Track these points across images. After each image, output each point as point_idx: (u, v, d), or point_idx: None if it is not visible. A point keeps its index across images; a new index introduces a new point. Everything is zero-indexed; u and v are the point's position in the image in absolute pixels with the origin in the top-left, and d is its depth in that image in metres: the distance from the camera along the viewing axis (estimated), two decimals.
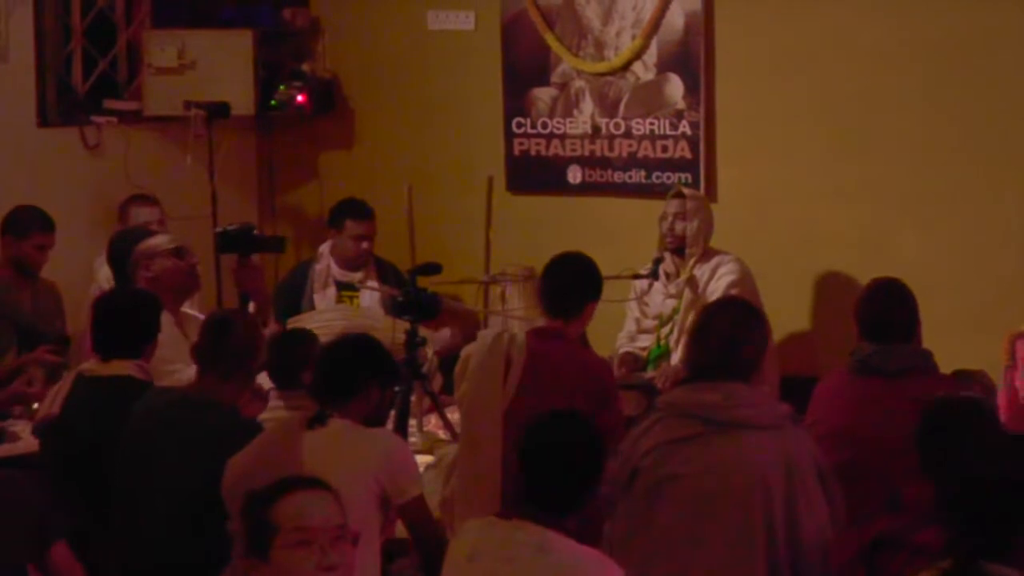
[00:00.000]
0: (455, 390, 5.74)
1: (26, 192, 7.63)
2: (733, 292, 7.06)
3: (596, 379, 5.52)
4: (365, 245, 7.82)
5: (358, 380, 4.91)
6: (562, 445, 4.22)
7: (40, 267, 7.33)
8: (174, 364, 6.00)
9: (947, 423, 4.53)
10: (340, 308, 7.50)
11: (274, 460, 4.69)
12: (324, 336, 6.10)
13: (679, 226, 7.31)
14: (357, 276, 7.83)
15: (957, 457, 4.18)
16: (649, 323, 7.42)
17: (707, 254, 7.31)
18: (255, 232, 7.00)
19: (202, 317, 6.46)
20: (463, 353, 5.68)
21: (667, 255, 7.35)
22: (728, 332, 4.70)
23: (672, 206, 7.35)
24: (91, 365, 5.67)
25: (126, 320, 5.63)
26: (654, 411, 4.76)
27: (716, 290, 7.17)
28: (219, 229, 6.93)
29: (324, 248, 7.94)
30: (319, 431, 4.79)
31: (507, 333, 5.59)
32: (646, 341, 7.41)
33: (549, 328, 5.56)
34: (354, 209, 7.85)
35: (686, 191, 7.42)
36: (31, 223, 7.27)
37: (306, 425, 4.81)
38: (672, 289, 7.32)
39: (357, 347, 5.05)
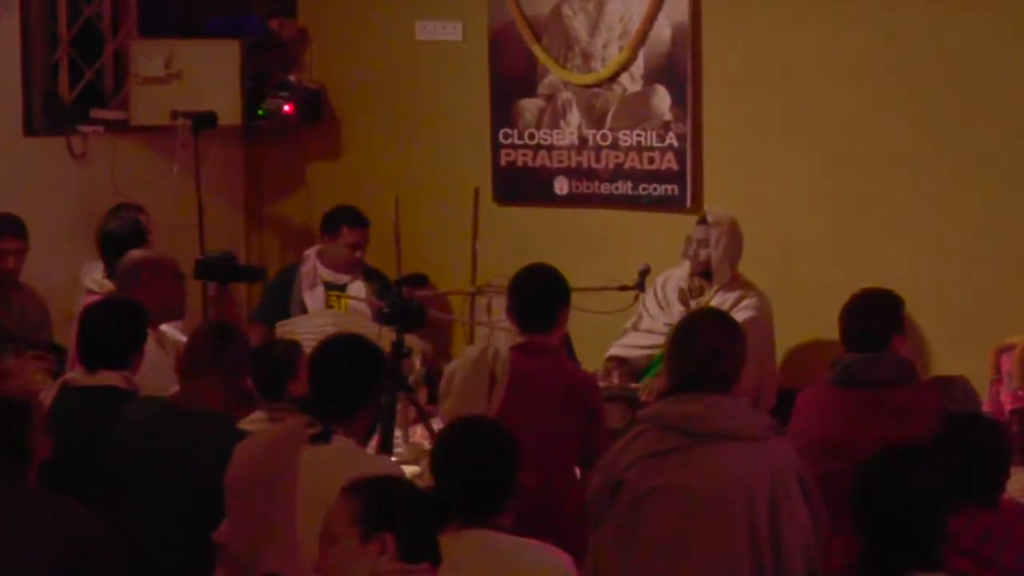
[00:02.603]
0: (440, 407, 5.74)
1: (11, 201, 7.61)
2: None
3: (582, 394, 5.52)
4: (359, 254, 7.84)
5: (360, 394, 4.79)
6: (472, 450, 4.19)
7: (10, 274, 7.30)
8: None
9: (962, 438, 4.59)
10: (331, 314, 7.50)
11: (270, 471, 4.64)
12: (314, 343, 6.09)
13: (703, 253, 7.27)
14: (345, 277, 7.84)
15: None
16: (658, 326, 7.38)
17: (735, 283, 7.26)
18: (236, 261, 6.89)
19: (181, 336, 6.46)
20: (447, 370, 5.68)
21: (690, 271, 7.31)
22: (709, 344, 4.70)
23: (698, 232, 7.30)
24: (76, 375, 5.67)
25: (113, 331, 5.63)
26: (636, 424, 4.76)
27: None
28: (199, 256, 6.78)
29: (310, 251, 7.97)
30: (321, 448, 4.66)
31: (491, 349, 5.58)
32: (645, 340, 7.38)
33: (532, 343, 5.57)
34: (351, 216, 7.88)
35: (710, 217, 7.33)
36: None
37: (309, 440, 4.68)
38: (693, 305, 7.27)
39: (355, 357, 4.86)
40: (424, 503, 3.84)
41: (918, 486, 4.05)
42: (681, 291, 7.39)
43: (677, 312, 7.29)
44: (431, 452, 4.35)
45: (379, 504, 3.76)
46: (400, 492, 3.85)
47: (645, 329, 7.46)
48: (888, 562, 4.03)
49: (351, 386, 4.78)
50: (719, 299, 7.22)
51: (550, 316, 5.60)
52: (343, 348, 4.91)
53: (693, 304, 7.26)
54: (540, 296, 5.63)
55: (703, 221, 7.32)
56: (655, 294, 7.42)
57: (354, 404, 4.78)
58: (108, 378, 5.53)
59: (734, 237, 7.32)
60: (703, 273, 7.29)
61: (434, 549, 3.80)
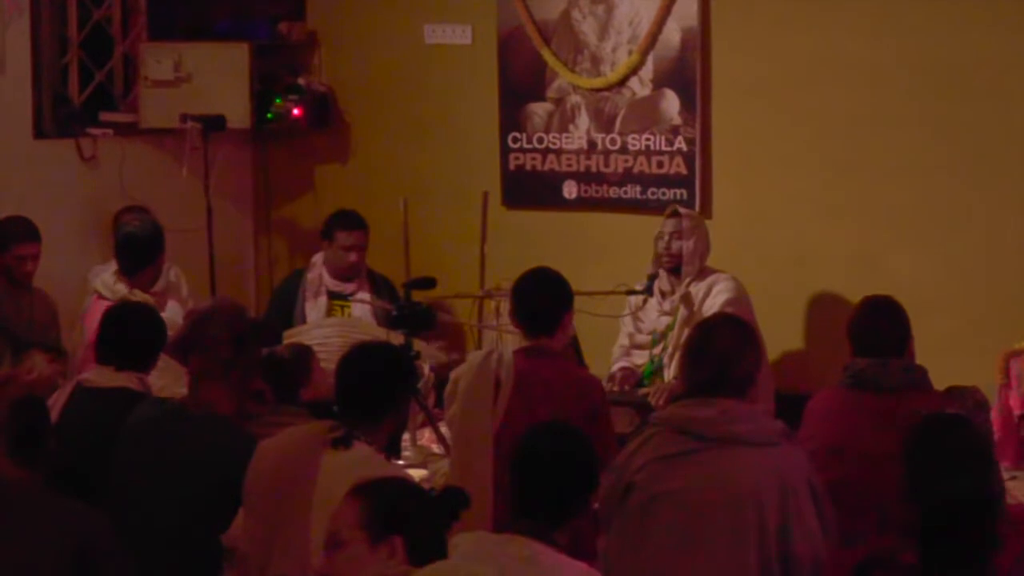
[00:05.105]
0: (445, 412, 5.74)
1: (21, 204, 7.63)
2: (728, 310, 7.03)
3: (586, 396, 5.51)
4: (355, 256, 7.78)
5: (385, 402, 4.78)
6: (554, 456, 4.18)
7: (26, 277, 7.33)
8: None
9: (932, 440, 4.54)
10: (336, 323, 7.47)
11: (289, 473, 4.65)
12: (321, 353, 6.09)
13: (675, 245, 7.27)
14: (350, 287, 7.82)
15: (935, 476, 4.17)
16: (643, 339, 7.41)
17: (703, 273, 7.28)
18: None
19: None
20: (452, 375, 5.67)
21: (662, 273, 7.34)
22: (724, 349, 4.70)
23: (668, 225, 7.32)
24: (90, 375, 5.70)
25: (138, 332, 5.67)
26: (648, 427, 4.76)
27: (712, 308, 7.11)
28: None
29: (317, 258, 7.94)
30: (341, 452, 4.64)
31: (495, 353, 5.57)
32: (640, 358, 7.39)
33: (536, 346, 5.56)
34: (344, 220, 7.83)
35: (682, 210, 7.38)
36: (11, 234, 7.31)
37: (329, 444, 4.67)
38: (667, 306, 7.30)
39: (382, 365, 4.85)
40: (432, 505, 3.83)
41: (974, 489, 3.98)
42: (661, 292, 7.38)
43: (654, 317, 7.30)
44: (515, 448, 4.31)
45: (388, 507, 3.75)
46: (408, 494, 3.84)
47: (633, 345, 7.46)
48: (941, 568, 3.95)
49: (376, 394, 4.77)
50: (692, 290, 7.21)
51: (554, 319, 5.60)
52: (371, 356, 4.90)
53: (666, 304, 7.27)
54: (544, 299, 5.63)
55: (674, 214, 7.32)
56: (629, 306, 7.41)
57: (378, 412, 4.77)
58: (123, 379, 5.56)
59: (704, 229, 7.35)
60: (673, 268, 7.29)
61: (442, 551, 3.79)
